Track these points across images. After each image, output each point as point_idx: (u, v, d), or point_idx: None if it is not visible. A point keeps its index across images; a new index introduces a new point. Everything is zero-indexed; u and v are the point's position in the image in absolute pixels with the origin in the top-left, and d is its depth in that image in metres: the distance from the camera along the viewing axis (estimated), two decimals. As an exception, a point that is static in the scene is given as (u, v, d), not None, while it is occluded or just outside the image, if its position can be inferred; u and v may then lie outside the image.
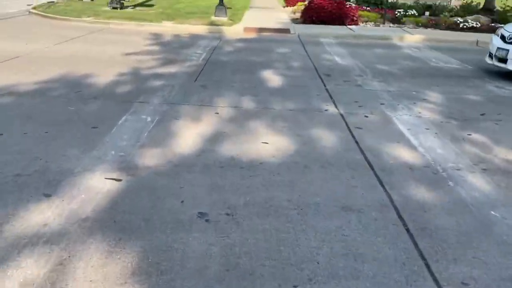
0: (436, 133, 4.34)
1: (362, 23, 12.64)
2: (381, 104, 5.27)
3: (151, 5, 15.89)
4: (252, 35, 10.83)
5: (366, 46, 9.85)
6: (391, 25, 12.64)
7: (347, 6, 12.38)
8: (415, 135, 4.26)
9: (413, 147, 3.95)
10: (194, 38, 9.80)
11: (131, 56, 7.43)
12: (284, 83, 6.12)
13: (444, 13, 13.99)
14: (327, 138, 4.07)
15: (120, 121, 4.23)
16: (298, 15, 13.77)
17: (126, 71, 6.33)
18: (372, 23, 12.73)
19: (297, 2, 17.95)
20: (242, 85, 5.87)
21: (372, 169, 3.47)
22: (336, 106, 5.09)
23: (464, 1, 15.13)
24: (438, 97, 5.71)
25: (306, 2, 15.59)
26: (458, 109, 5.22)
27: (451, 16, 13.80)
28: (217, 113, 4.65)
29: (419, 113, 4.98)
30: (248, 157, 3.59)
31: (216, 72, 6.55)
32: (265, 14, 15.08)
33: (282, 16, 14.61)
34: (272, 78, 6.37)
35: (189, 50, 8.23)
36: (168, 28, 10.97)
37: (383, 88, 6.05)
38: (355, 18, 12.37)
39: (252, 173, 3.31)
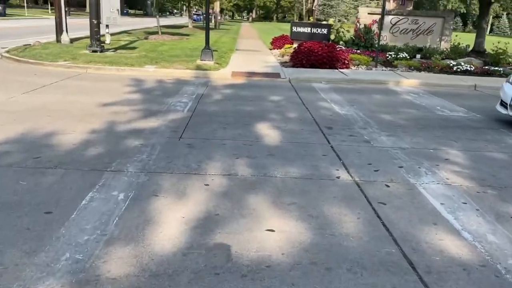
0: (477, 209, 3.55)
1: (354, 66, 12.19)
2: (400, 167, 4.51)
3: (134, 48, 15.30)
4: (240, 80, 10.19)
5: (363, 91, 9.28)
6: (384, 68, 12.22)
7: (338, 49, 11.95)
8: (453, 212, 3.47)
9: (456, 232, 3.14)
10: (179, 84, 9.08)
11: (108, 107, 6.60)
12: (282, 139, 5.34)
13: (435, 56, 13.73)
14: (347, 221, 3.24)
15: (84, 202, 3.32)
16: (286, 58, 13.30)
17: (99, 127, 5.48)
18: (364, 66, 12.29)
19: (283, 44, 17.65)
20: (235, 143, 5.07)
21: (415, 271, 2.63)
22: (348, 172, 4.29)
23: (452, 44, 14.98)
24: (460, 156, 5.00)
25: (294, 46, 15.25)
26: (488, 172, 4.49)
27: (443, 59, 13.54)
28: (207, 185, 3.80)
29: (447, 179, 4.22)
30: (250, 255, 2.72)
31: (204, 127, 5.75)
32: (252, 57, 14.60)
33: (270, 59, 14.14)
34: (269, 133, 5.60)
35: (173, 99, 7.47)
36: (151, 73, 10.27)
37: (395, 145, 5.33)
38: (346, 62, 11.92)
39: (258, 284, 2.43)
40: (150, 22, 38.56)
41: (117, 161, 4.24)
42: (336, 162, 4.59)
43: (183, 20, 50.68)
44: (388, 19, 14.85)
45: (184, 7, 35.20)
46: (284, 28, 53.17)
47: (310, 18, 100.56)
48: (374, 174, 4.27)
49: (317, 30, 14.55)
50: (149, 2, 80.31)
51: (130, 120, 5.89)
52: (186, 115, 6.38)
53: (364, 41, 13.70)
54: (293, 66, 12.05)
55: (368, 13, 14.82)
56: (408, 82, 10.45)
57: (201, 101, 7.43)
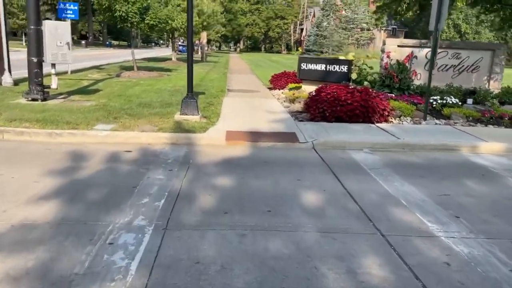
0: None
1: (395, 118, 8.79)
2: None
3: (95, 91, 11.76)
4: (240, 147, 6.65)
5: (438, 170, 5.79)
6: (437, 121, 8.84)
7: (374, 96, 8.56)
8: None
9: None
10: (142, 164, 5.50)
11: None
12: None
13: (489, 100, 10.49)
14: None
15: None
16: (298, 106, 9.85)
17: None
18: (409, 118, 8.90)
19: (286, 83, 14.32)
20: None
21: None
22: None
23: (506, 85, 11.79)
24: None
25: (304, 87, 11.88)
26: None
27: (502, 104, 10.30)
28: None
29: None
30: None
31: None
32: (250, 102, 11.16)
33: (274, 106, 10.71)
34: None
35: (119, 216, 3.86)
36: (102, 139, 6.68)
37: None
38: (386, 113, 8.52)
39: None
40: (131, 54, 35.66)
41: None
42: None
43: (169, 51, 47.70)
44: (423, 53, 11.65)
45: (170, 39, 32.11)
46: (274, 60, 50.49)
47: (299, 49, 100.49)
48: None
49: (333, 67, 11.25)
50: (133, 33, 77.76)
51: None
52: (134, 284, 2.76)
53: (399, 82, 10.41)
54: (311, 120, 8.59)
55: (398, 46, 11.61)
56: (490, 148, 7.03)
57: (174, 219, 3.82)
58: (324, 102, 8.49)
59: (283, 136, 7.37)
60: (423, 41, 11.80)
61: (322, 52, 62.81)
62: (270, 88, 15.03)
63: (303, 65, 11.76)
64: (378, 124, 8.34)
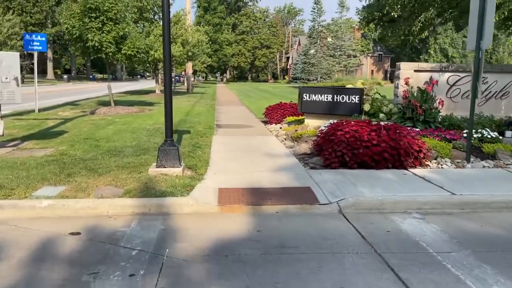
0: None
1: (430, 161, 6.95)
2: None
3: (60, 133, 9.78)
4: (237, 218, 4.68)
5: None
6: (483, 163, 7.01)
7: (406, 133, 6.73)
8: None
9: None
10: (87, 264, 3.48)
11: None
12: None
13: (530, 131, 8.77)
14: None
15: None
16: (305, 147, 7.96)
17: None
18: (448, 160, 7.07)
19: (283, 117, 12.55)
20: None
21: None
22: None
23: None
24: None
25: (307, 122, 10.06)
26: None
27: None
28: None
29: None
30: None
31: None
32: (245, 142, 9.28)
33: (275, 145, 8.84)
34: None
35: None
36: (40, 213, 4.67)
37: None
38: (421, 155, 6.68)
39: None
40: (115, 87, 33.95)
41: None
42: None
43: (154, 83, 46.13)
44: (444, 78, 10.01)
45: (153, 71, 30.43)
46: (263, 89, 49.06)
47: (286, 77, 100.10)
48: None
49: (342, 97, 9.48)
50: (118, 66, 76.18)
51: None
52: None
53: (423, 113, 8.65)
54: (326, 166, 6.69)
55: (415, 70, 9.94)
56: None
57: None
58: (342, 143, 6.63)
59: (295, 193, 5.44)
60: (443, 64, 10.16)
61: (309, 80, 61.83)
62: (265, 122, 13.21)
63: (306, 95, 9.98)
64: (413, 170, 6.48)
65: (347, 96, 9.45)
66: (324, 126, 8.26)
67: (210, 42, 41.82)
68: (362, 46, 70.51)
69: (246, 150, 8.25)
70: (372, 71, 75.69)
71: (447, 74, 10.03)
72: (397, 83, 10.06)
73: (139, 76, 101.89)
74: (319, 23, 62.86)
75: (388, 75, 71.08)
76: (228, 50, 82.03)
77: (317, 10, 62.59)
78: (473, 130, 8.29)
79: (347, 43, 64.27)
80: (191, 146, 8.24)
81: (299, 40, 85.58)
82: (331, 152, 6.70)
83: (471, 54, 65.41)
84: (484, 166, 6.84)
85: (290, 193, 5.45)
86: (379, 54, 77.20)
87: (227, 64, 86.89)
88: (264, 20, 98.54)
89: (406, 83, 9.18)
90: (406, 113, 8.95)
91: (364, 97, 9.63)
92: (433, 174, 6.30)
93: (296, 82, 61.55)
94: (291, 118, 11.86)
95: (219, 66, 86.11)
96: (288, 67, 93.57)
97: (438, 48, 64.91)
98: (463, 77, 10.00)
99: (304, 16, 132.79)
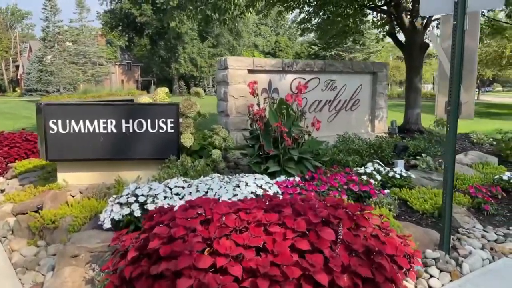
0: None
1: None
2: None
3: None
4: None
5: None
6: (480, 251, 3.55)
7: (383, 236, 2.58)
8: None
9: None
10: None
11: None
12: None
13: (422, 158, 6.18)
14: None
15: None
16: (70, 274, 2.78)
17: None
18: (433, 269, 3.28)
19: (10, 159, 6.60)
20: None
21: None
22: None
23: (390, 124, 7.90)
24: None
25: (136, 210, 4.66)
26: None
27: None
28: None
29: None
30: None
31: None
32: None
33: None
34: None
35: None
36: None
37: None
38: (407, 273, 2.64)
39: None
40: None
41: None
42: None
43: None
44: (287, 80, 6.44)
45: None
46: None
47: (17, 89, 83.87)
48: None
49: (139, 124, 4.59)
50: None
51: None
52: None
53: (296, 144, 4.72)
54: None
55: (249, 71, 5.99)
56: None
57: None
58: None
59: None
60: (286, 61, 6.55)
61: (48, 92, 51.54)
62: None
63: (56, 122, 4.59)
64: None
65: (149, 121, 4.61)
66: (139, 209, 3.27)
67: None
68: (108, 54, 64.38)
69: None
70: (123, 80, 70.50)
71: (291, 76, 6.52)
72: (224, 92, 5.89)
73: None
74: (55, 23, 52.98)
75: (140, 84, 67.52)
76: None
77: (51, 8, 52.66)
78: (363, 166, 4.93)
79: (92, 49, 56.87)
80: None
81: (29, 45, 71.89)
82: None
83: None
84: (484, 260, 3.37)
85: None
86: (127, 62, 72.54)
87: None
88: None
89: (253, 92, 5.08)
90: (263, 146, 4.83)
91: (181, 120, 5.00)
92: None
93: (32, 94, 50.16)
94: (21, 166, 6.04)
95: None
96: (19, 77, 77.74)
97: (187, 57, 65.34)
98: (309, 80, 6.69)
99: (33, 20, 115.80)
